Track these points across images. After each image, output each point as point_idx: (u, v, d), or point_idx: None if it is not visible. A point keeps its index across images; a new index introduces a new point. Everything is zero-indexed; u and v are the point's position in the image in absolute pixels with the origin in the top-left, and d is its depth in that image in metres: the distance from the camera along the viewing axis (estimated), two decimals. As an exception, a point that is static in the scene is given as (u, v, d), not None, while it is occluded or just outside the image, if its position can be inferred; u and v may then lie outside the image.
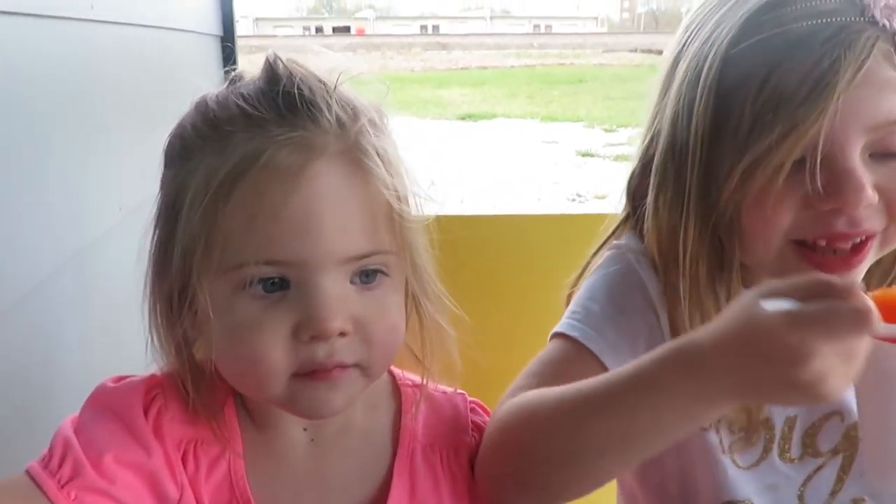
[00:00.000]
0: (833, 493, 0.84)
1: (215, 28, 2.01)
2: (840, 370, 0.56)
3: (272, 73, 0.68)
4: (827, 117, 0.69)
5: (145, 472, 0.67)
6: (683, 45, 0.81)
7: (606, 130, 9.86)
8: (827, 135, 0.70)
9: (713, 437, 0.82)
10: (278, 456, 0.74)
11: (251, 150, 0.64)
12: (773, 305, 0.57)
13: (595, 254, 0.89)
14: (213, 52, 1.99)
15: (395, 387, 0.80)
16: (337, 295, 0.65)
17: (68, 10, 1.04)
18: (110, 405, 0.69)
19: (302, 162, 0.64)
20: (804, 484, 0.84)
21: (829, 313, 0.55)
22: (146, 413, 0.69)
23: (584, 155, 8.45)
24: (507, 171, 7.63)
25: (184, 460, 0.70)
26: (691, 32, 0.81)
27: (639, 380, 0.64)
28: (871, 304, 0.55)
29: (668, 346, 0.64)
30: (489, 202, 6.37)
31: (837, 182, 0.70)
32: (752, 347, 0.58)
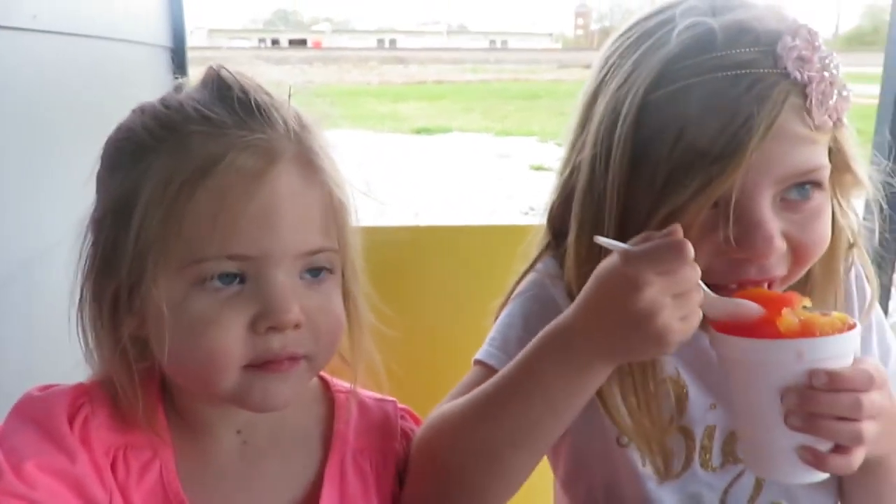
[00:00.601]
0: (752, 499, 0.87)
1: (166, 39, 2.01)
2: (673, 309, 0.66)
3: (221, 82, 0.70)
4: (739, 172, 0.71)
5: (70, 478, 0.67)
6: (602, 80, 0.82)
7: (559, 145, 9.92)
8: (738, 188, 0.72)
9: (633, 452, 0.85)
10: (210, 458, 0.75)
11: (213, 152, 0.66)
12: (608, 243, 0.69)
13: (519, 280, 0.91)
14: (164, 63, 1.98)
15: (326, 392, 0.82)
16: (291, 288, 0.68)
17: (8, 20, 1.03)
18: (33, 414, 0.70)
19: (263, 165, 0.66)
20: (725, 491, 0.87)
21: (654, 247, 0.67)
22: (72, 421, 0.70)
23: (537, 169, 8.55)
24: (461, 184, 7.68)
25: (113, 466, 0.71)
26: (610, 67, 0.82)
27: (524, 366, 0.72)
28: (688, 243, 0.67)
29: (545, 329, 0.72)
30: (443, 215, 6.40)
31: (748, 234, 0.73)
32: (600, 290, 0.69)
